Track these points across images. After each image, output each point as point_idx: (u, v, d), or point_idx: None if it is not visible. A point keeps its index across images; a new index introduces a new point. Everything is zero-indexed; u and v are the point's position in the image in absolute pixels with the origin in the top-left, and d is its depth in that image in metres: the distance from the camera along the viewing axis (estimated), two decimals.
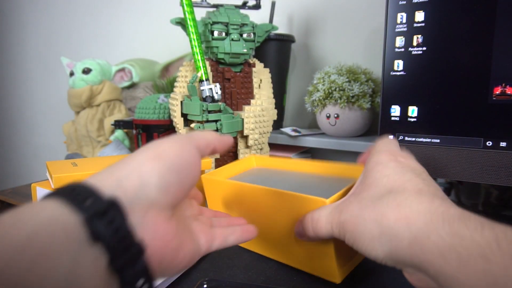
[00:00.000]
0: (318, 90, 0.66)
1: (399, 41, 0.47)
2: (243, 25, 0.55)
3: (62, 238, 0.16)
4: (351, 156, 0.75)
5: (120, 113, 0.83)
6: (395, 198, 0.23)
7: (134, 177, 0.20)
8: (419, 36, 0.45)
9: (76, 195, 0.18)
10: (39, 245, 0.15)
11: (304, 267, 0.35)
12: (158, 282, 0.34)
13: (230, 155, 0.59)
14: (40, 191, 0.37)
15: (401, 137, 0.48)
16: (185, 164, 0.22)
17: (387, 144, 0.29)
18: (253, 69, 0.58)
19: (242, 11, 0.58)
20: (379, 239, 0.23)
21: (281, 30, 0.78)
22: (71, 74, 0.81)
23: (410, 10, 0.46)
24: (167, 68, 0.92)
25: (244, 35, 0.55)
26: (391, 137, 0.32)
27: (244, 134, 0.55)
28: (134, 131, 0.66)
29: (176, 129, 0.56)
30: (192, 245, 0.24)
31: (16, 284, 0.14)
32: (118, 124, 0.72)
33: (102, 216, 0.17)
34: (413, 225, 0.21)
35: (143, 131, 0.64)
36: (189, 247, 0.23)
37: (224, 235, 0.27)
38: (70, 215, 0.17)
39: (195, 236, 0.25)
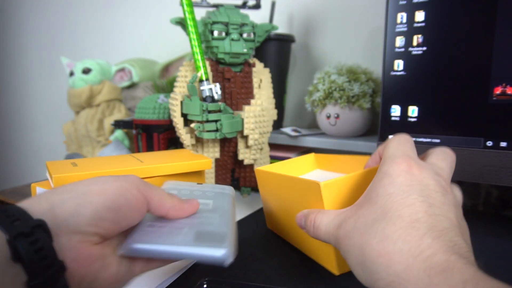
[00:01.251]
0: (318, 90, 0.66)
1: (399, 41, 0.47)
2: (243, 25, 0.55)
3: None
4: None
5: (120, 113, 0.83)
6: (384, 228, 0.21)
7: (69, 205, 0.21)
8: (419, 36, 0.45)
9: (6, 216, 0.19)
10: None
11: (311, 254, 0.37)
12: (157, 282, 0.34)
13: (230, 155, 0.59)
14: (40, 191, 0.37)
15: None
16: (125, 206, 0.23)
17: (402, 146, 0.26)
18: (253, 69, 0.58)
19: (242, 11, 0.58)
20: (362, 268, 0.22)
21: (281, 30, 0.78)
22: (71, 74, 0.81)
23: (410, 10, 0.46)
24: (167, 68, 0.92)
25: (244, 35, 0.55)
26: (405, 136, 0.28)
27: (244, 134, 0.55)
28: (134, 131, 0.66)
29: (176, 129, 0.56)
30: (117, 268, 0.24)
31: None
32: (118, 124, 0.72)
33: (26, 237, 0.18)
34: (392, 267, 0.20)
35: (143, 131, 0.64)
36: (113, 270, 0.23)
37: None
38: None
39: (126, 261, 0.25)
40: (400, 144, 0.27)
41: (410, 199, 0.22)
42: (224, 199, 0.36)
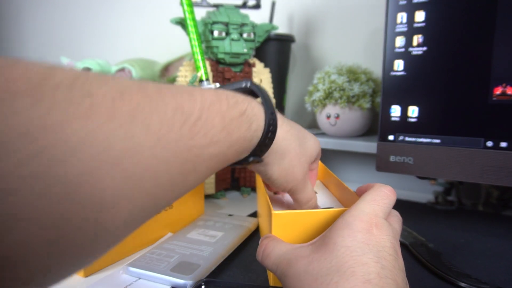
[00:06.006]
0: (318, 90, 0.66)
1: (399, 41, 0.47)
2: (243, 25, 0.55)
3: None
4: (351, 156, 0.75)
5: None
6: (337, 282, 0.22)
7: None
8: (419, 36, 0.45)
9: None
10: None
11: None
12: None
13: None
14: None
15: (401, 137, 0.48)
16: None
17: (375, 202, 0.27)
18: (253, 69, 0.58)
19: (242, 11, 0.58)
20: None
21: (281, 30, 0.78)
22: None
23: (410, 10, 0.46)
24: (167, 68, 0.92)
25: (244, 35, 0.55)
26: (386, 191, 0.28)
27: None
28: None
29: None
30: None
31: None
32: None
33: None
34: None
35: None
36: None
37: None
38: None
39: None
40: (374, 200, 0.27)
41: (366, 258, 0.23)
42: (235, 232, 0.42)
